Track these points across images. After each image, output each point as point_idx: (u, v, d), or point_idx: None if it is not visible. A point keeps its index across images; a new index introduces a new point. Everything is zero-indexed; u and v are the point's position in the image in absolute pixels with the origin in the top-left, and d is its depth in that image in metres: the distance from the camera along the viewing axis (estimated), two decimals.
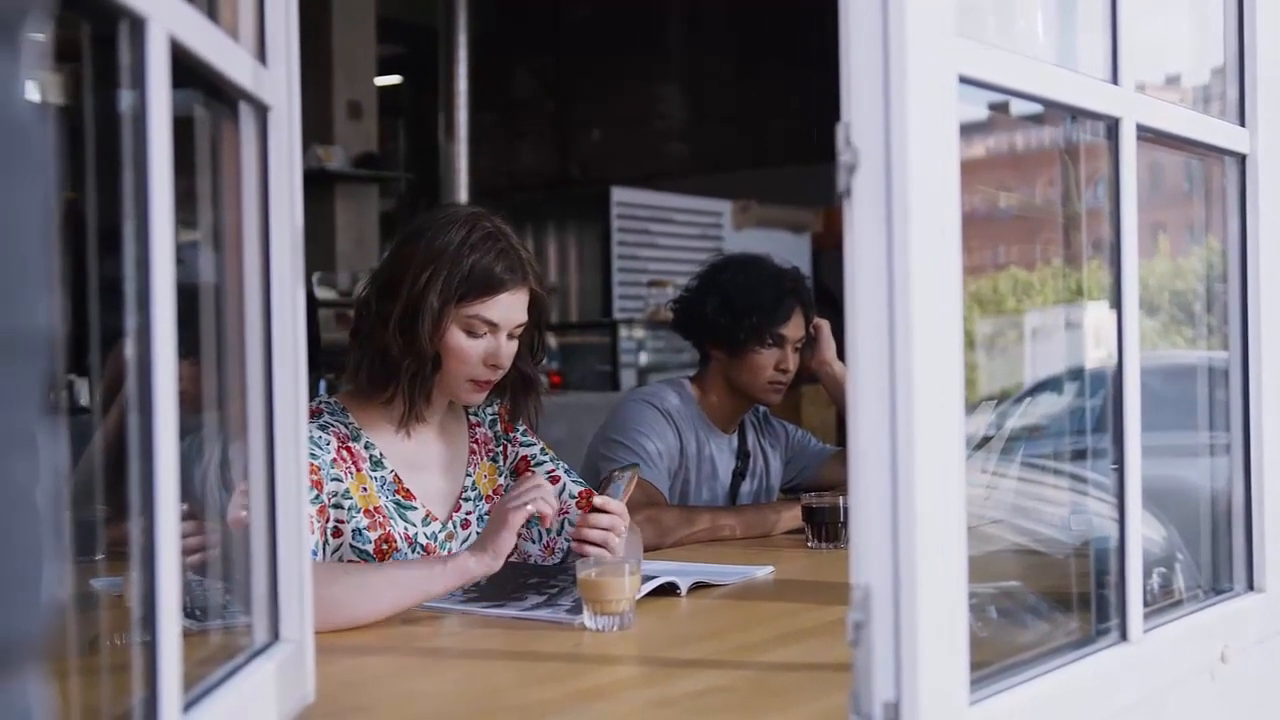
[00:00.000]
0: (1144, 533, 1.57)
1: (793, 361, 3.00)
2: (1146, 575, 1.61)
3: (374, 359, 2.17)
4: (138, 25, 0.99)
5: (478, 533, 2.26)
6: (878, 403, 1.17)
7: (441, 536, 2.23)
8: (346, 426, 2.20)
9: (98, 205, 1.06)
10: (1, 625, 0.55)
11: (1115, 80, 1.51)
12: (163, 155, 1.02)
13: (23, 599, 0.56)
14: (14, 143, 0.56)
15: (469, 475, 2.32)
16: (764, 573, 2.34)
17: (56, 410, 0.60)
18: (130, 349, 1.02)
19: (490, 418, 2.39)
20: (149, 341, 1.00)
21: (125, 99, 1.01)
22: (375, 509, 2.15)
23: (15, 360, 0.56)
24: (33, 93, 0.59)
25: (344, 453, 2.15)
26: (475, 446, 2.35)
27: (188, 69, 1.11)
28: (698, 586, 2.16)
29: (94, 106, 1.06)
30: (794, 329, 3.00)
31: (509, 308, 2.18)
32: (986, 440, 2.30)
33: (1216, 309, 2.00)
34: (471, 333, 2.16)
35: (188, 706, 1.08)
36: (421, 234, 2.18)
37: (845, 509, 2.64)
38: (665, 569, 2.21)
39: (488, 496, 2.32)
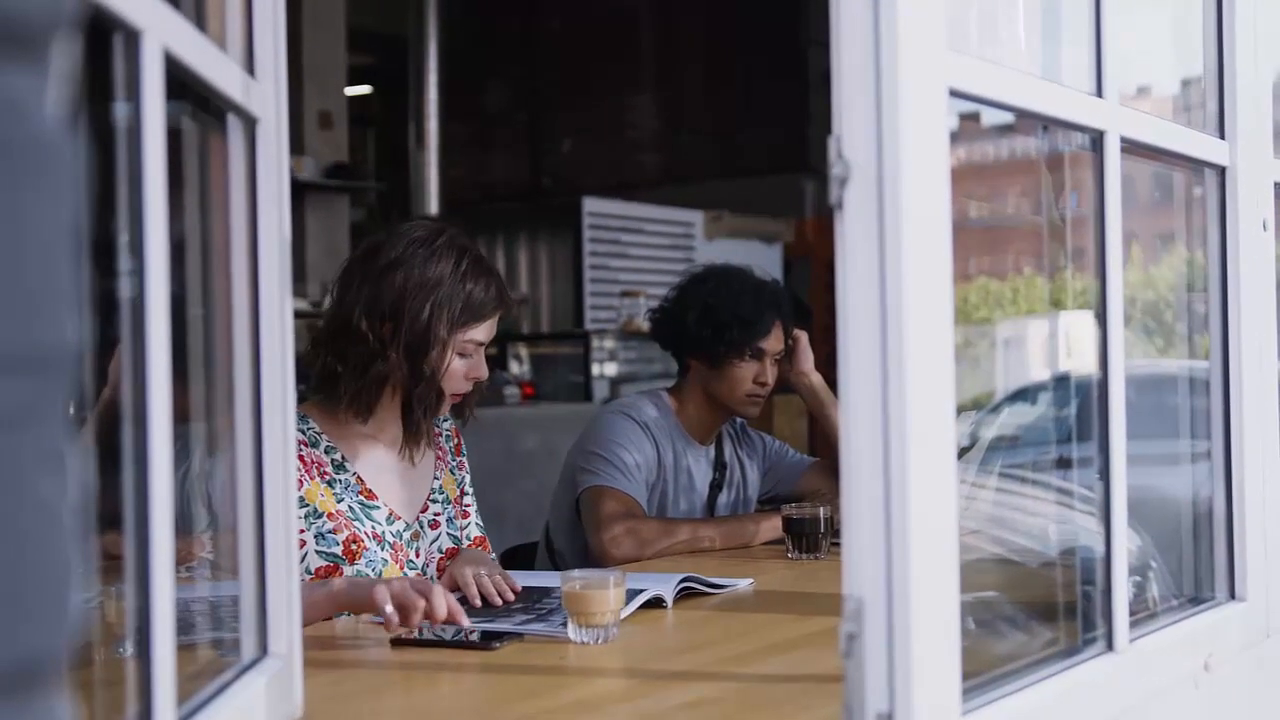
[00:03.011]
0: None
1: (771, 375, 3.01)
2: None
3: (373, 385, 2.23)
4: (132, 37, 0.99)
5: (447, 533, 2.37)
6: (870, 413, 1.17)
7: (408, 536, 2.31)
8: (304, 433, 2.24)
9: (89, 217, 1.05)
10: (33, 642, 0.55)
11: (1099, 93, 1.52)
12: (157, 166, 1.01)
13: (53, 616, 0.56)
14: (43, 159, 0.56)
15: (436, 479, 2.40)
16: (745, 584, 2.34)
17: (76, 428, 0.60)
18: (115, 361, 1.01)
19: (446, 432, 2.48)
20: (144, 355, 1.00)
21: (119, 110, 1.01)
22: (338, 512, 2.21)
23: (44, 377, 0.56)
24: (59, 108, 0.59)
25: (298, 460, 2.17)
26: (440, 453, 2.44)
27: (178, 81, 1.10)
28: (684, 594, 2.17)
29: (86, 118, 1.05)
30: (774, 342, 3.00)
31: (493, 327, 2.31)
32: (964, 451, 2.31)
33: (1186, 319, 2.01)
34: (462, 355, 2.27)
35: None
36: (404, 263, 2.23)
37: (825, 520, 2.65)
38: (647, 581, 2.21)
39: (454, 501, 2.42)
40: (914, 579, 1.15)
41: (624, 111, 9.80)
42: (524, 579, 2.30)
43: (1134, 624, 1.57)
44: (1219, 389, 1.84)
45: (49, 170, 0.57)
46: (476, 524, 2.49)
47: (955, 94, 1.25)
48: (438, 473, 2.41)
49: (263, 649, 1.36)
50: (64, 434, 0.58)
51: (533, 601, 2.11)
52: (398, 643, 1.86)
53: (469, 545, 2.39)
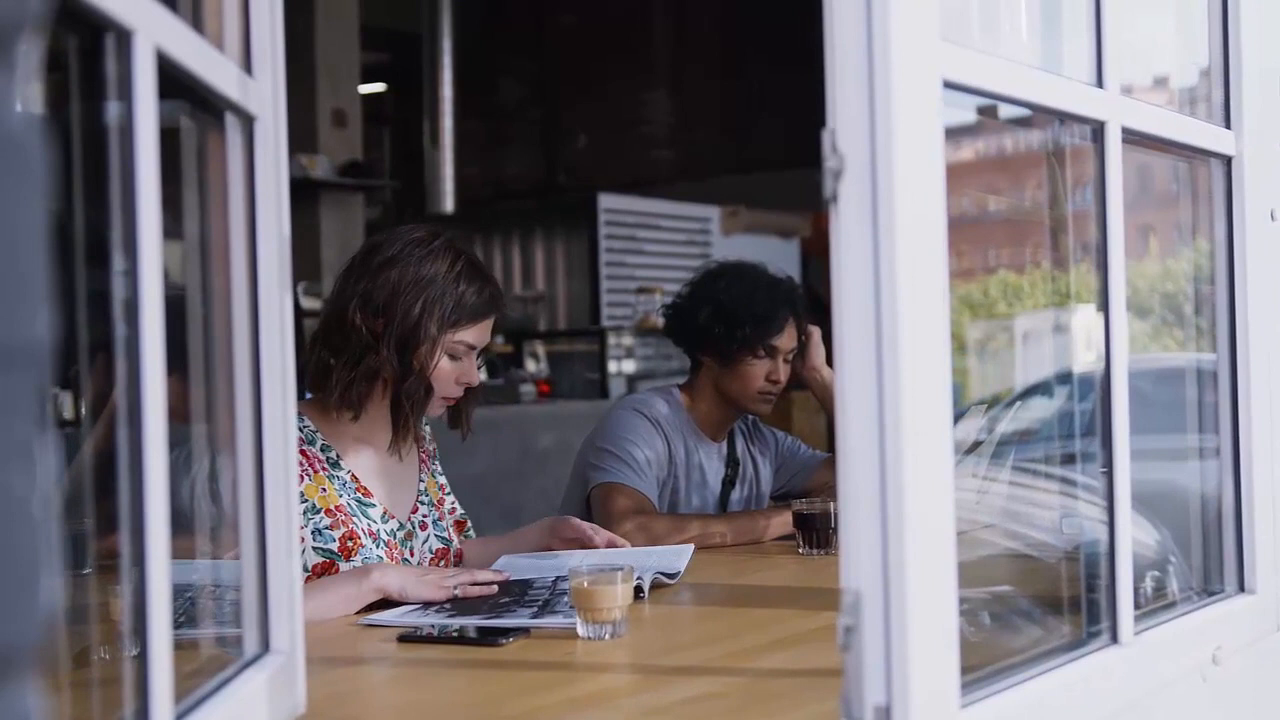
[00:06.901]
0: (1137, 536, 1.57)
1: (783, 372, 3.00)
2: (1140, 579, 1.61)
3: (363, 379, 2.27)
4: (124, 37, 0.99)
5: (435, 535, 2.41)
6: (866, 406, 1.17)
7: (401, 535, 2.35)
8: (301, 430, 2.26)
9: (82, 217, 1.05)
10: (4, 634, 0.56)
11: (1100, 84, 1.52)
12: (150, 166, 1.02)
13: (22, 608, 0.57)
14: (11, 155, 0.57)
15: (421, 481, 2.45)
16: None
17: (49, 422, 0.61)
18: (119, 362, 1.02)
19: (427, 434, 2.53)
20: (138, 354, 1.00)
21: (111, 110, 1.01)
22: (337, 508, 2.25)
23: (14, 371, 0.56)
24: (27, 105, 0.59)
25: (298, 456, 2.21)
26: (424, 457, 2.49)
27: (173, 80, 1.11)
28: (656, 586, 2.20)
29: (79, 117, 1.06)
30: (786, 340, 2.99)
31: (486, 332, 2.35)
32: (977, 445, 2.30)
33: (1205, 311, 2.00)
34: (453, 356, 2.31)
35: (179, 718, 1.08)
36: (400, 260, 2.27)
37: (836, 515, 2.64)
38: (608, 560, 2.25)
39: (437, 504, 2.46)
40: (910, 571, 1.15)
41: (638, 107, 9.78)
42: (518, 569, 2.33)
43: (1141, 617, 1.56)
44: (1227, 380, 1.84)
45: (19, 167, 0.58)
46: (438, 536, 2.46)
47: (950, 85, 1.25)
48: (422, 475, 2.45)
49: (265, 645, 1.36)
50: (35, 427, 0.58)
51: (522, 595, 2.12)
52: (403, 639, 1.87)
53: (430, 559, 2.40)
